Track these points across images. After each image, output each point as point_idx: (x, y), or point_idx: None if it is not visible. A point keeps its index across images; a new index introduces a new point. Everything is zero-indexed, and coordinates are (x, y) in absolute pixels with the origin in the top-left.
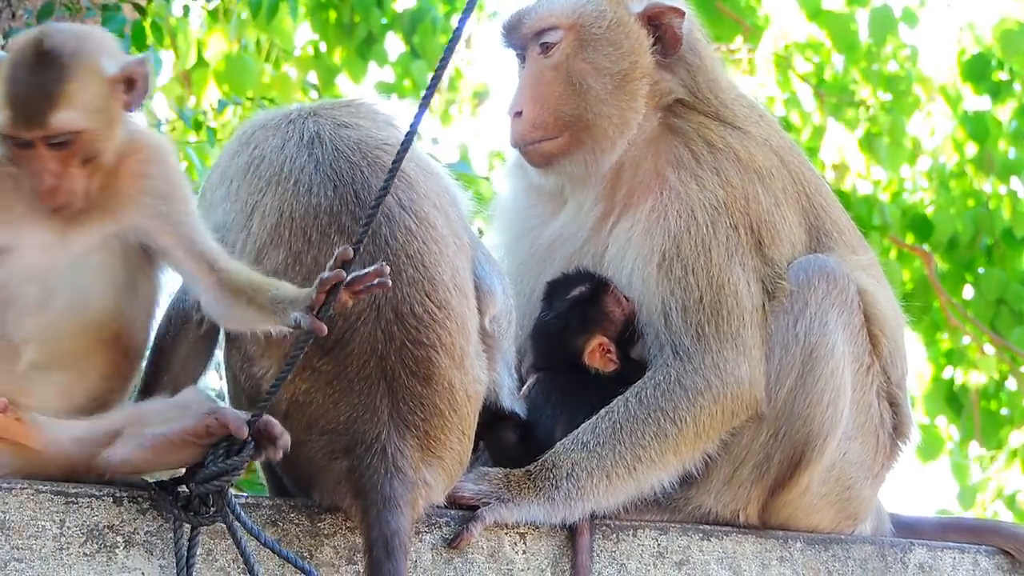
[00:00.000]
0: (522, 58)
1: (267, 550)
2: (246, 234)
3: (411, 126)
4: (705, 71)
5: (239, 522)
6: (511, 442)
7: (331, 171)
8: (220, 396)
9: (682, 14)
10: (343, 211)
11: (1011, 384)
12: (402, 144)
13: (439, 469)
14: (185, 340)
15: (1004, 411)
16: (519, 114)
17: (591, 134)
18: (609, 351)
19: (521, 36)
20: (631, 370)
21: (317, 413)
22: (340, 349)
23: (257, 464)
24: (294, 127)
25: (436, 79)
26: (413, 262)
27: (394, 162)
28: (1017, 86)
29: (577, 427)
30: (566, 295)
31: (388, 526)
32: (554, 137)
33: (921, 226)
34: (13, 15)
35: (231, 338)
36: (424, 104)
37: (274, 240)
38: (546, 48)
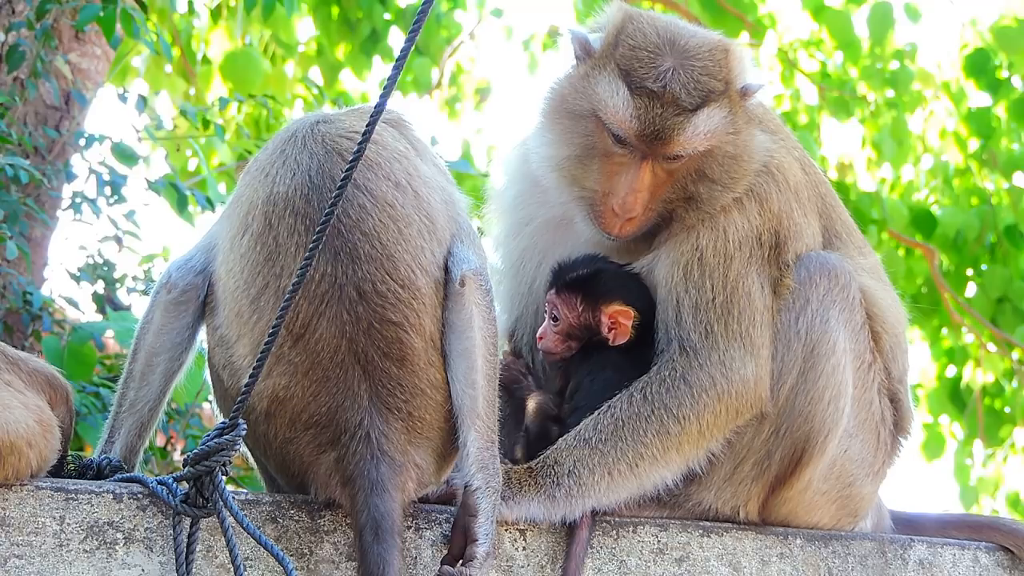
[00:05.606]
0: (627, 146)
1: (273, 549)
2: (230, 222)
3: (376, 107)
4: (759, 104)
5: (225, 505)
6: (555, 437)
7: (294, 162)
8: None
9: (761, 86)
10: (297, 195)
11: (1014, 383)
12: (367, 125)
13: (428, 450)
14: (159, 307)
15: (1006, 410)
16: (631, 219)
17: (670, 218)
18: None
19: (657, 151)
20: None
21: (299, 407)
22: (309, 335)
23: (255, 466)
24: (296, 128)
25: (401, 59)
26: (369, 239)
27: (365, 132)
28: (1016, 81)
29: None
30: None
31: (376, 510)
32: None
33: (926, 223)
34: (13, 11)
35: (210, 322)
36: (386, 93)
37: (244, 224)
38: (673, 159)
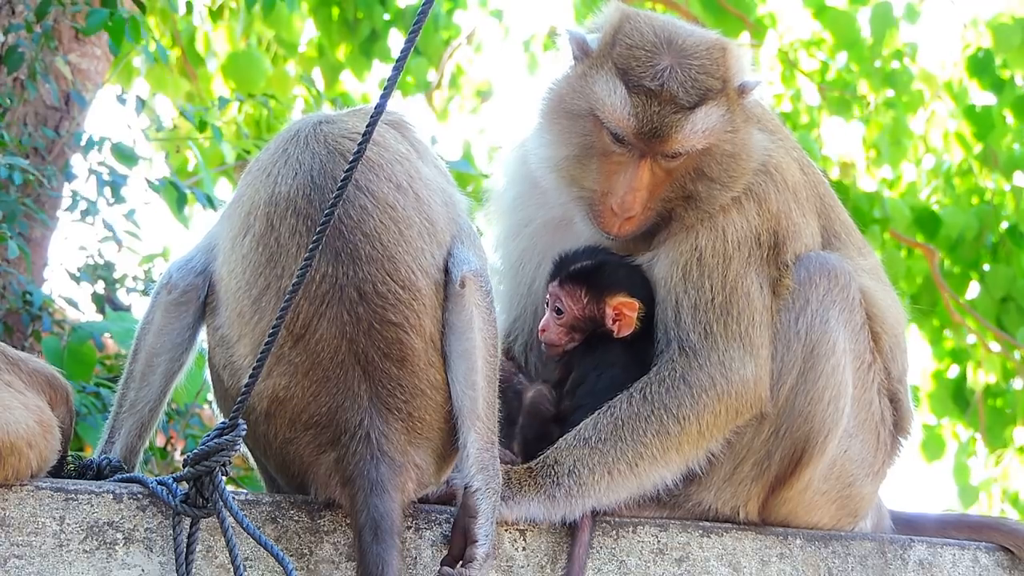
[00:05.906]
0: (625, 144)
1: (273, 549)
2: (231, 222)
3: (376, 107)
4: (756, 103)
5: (225, 505)
6: (555, 438)
7: (296, 162)
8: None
9: (758, 83)
10: (299, 195)
11: (1017, 384)
12: (367, 126)
13: (428, 450)
14: (159, 308)
15: (1007, 410)
16: (630, 218)
17: (669, 217)
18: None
19: (655, 149)
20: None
21: (299, 408)
22: (309, 336)
23: (255, 466)
24: (299, 127)
25: (401, 60)
26: (370, 240)
27: (365, 133)
28: (1019, 80)
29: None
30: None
31: (376, 511)
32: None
33: (928, 223)
34: (13, 11)
35: (210, 323)
36: (387, 94)
37: (246, 224)
38: (672, 157)
